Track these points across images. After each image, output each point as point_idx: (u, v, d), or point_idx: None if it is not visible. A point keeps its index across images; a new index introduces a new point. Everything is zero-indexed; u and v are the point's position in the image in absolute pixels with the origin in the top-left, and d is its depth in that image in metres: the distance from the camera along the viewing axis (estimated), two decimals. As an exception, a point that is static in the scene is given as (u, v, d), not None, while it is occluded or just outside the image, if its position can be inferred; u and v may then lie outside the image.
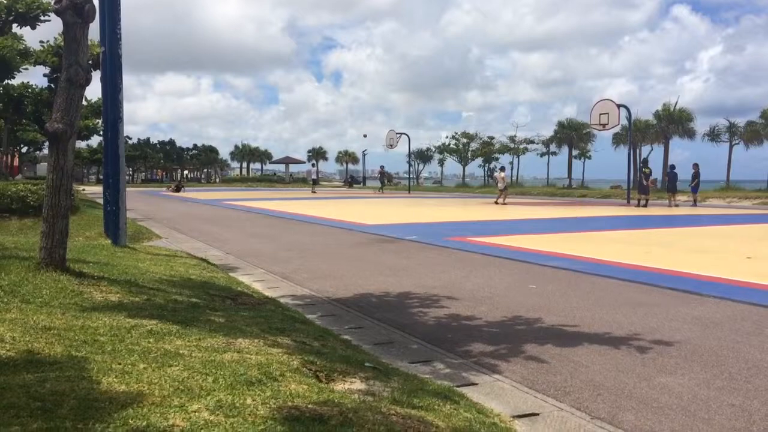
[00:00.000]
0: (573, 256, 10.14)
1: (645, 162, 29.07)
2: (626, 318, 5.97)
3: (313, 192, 43.86)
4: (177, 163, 76.19)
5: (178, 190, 45.04)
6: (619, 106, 30.65)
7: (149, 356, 3.39)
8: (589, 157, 55.50)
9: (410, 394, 3.42)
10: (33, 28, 17.03)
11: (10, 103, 22.39)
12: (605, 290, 7.39)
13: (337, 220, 18.26)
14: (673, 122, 46.25)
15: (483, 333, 5.45)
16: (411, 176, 60.80)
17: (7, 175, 27.24)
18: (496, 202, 28.60)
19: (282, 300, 6.61)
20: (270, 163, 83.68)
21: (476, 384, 4.08)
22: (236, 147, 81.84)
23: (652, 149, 48.03)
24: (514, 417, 3.54)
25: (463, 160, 62.87)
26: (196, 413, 2.63)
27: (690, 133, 46.82)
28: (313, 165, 63.76)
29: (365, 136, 47.39)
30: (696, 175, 28.10)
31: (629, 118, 32.10)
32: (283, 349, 3.96)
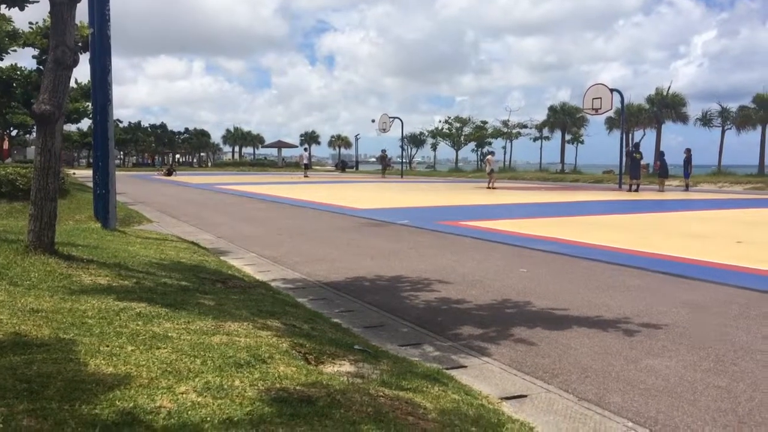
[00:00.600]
0: (564, 240, 10.17)
1: (636, 146, 29.12)
2: (615, 301, 6.01)
3: (306, 176, 43.76)
4: (168, 147, 75.80)
5: (169, 174, 44.87)
6: (612, 90, 30.64)
7: (137, 339, 3.38)
8: (582, 142, 55.69)
9: (399, 377, 3.43)
10: (21, 9, 16.75)
11: (-1, 86, 22.12)
12: (595, 274, 7.42)
13: (329, 204, 18.24)
14: (666, 107, 46.33)
15: (473, 316, 5.47)
16: (404, 161, 60.73)
17: (-3, 158, 27.00)
18: (488, 187, 28.61)
19: (273, 283, 6.61)
20: (262, 147, 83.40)
21: (465, 366, 4.10)
22: (228, 131, 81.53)
23: (644, 134, 48.15)
24: (502, 399, 3.56)
25: (456, 145, 62.90)
26: (184, 395, 2.63)
27: (683, 118, 46.97)
28: (305, 149, 63.52)
29: (373, 120, 46.55)
30: (688, 161, 28.17)
31: (622, 103, 32.11)
32: (273, 332, 3.96)
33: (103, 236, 8.46)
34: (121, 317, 3.83)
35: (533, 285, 6.76)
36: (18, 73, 22.51)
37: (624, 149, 31.60)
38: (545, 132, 56.45)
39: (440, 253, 9.04)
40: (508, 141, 57.51)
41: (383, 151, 51.62)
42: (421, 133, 67.96)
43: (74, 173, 31.45)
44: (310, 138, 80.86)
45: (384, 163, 49.60)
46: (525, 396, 3.63)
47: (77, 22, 7.17)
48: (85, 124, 40.34)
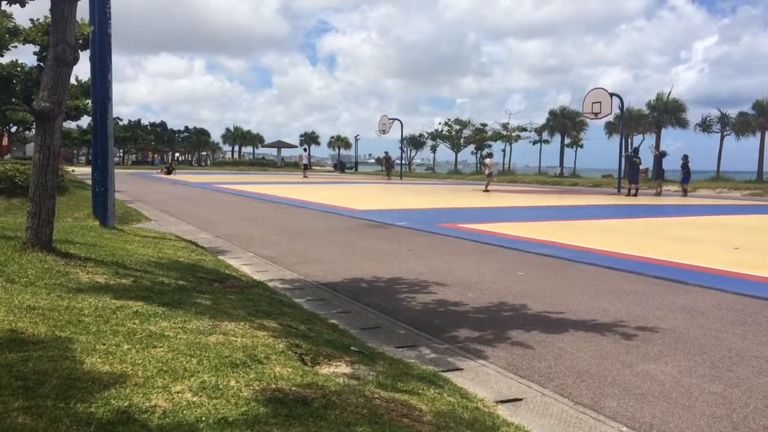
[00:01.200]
0: (561, 244, 10.18)
1: (636, 151, 29.14)
2: (612, 306, 6.01)
3: (305, 176, 43.75)
4: (168, 146, 75.77)
5: (169, 172, 44.84)
6: (611, 95, 30.65)
7: (134, 337, 3.39)
8: (581, 146, 55.74)
9: (395, 379, 3.44)
10: (22, 5, 16.76)
11: (-1, 82, 22.10)
12: (592, 278, 7.43)
13: (328, 204, 18.24)
14: (666, 112, 46.37)
15: (470, 319, 5.48)
16: (403, 162, 60.72)
17: (-4, 154, 26.97)
18: (485, 190, 28.49)
19: (270, 284, 6.61)
20: (262, 146, 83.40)
21: (461, 369, 4.10)
22: (228, 130, 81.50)
23: (644, 138, 48.21)
24: (497, 402, 3.56)
25: (456, 147, 62.93)
26: (179, 394, 2.63)
27: (682, 123, 47.00)
28: (305, 149, 63.53)
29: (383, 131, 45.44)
30: (684, 167, 28.20)
31: (622, 108, 32.14)
32: (270, 333, 3.96)
33: (101, 234, 8.46)
34: (117, 316, 3.83)
35: (530, 288, 6.76)
36: (18, 69, 22.48)
37: (623, 154, 31.64)
38: (545, 135, 56.53)
39: (438, 255, 9.04)
40: (507, 144, 57.54)
41: (386, 153, 51.54)
42: (421, 135, 68.01)
43: (73, 170, 31.43)
44: (309, 138, 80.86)
45: (388, 165, 49.47)
46: (520, 399, 3.64)
47: (78, 19, 7.18)
48: (85, 121, 40.29)
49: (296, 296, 6.08)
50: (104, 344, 3.20)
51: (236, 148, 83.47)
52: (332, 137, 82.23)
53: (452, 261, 8.49)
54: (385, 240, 10.65)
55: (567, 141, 55.00)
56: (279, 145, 79.11)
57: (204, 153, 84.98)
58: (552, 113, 55.45)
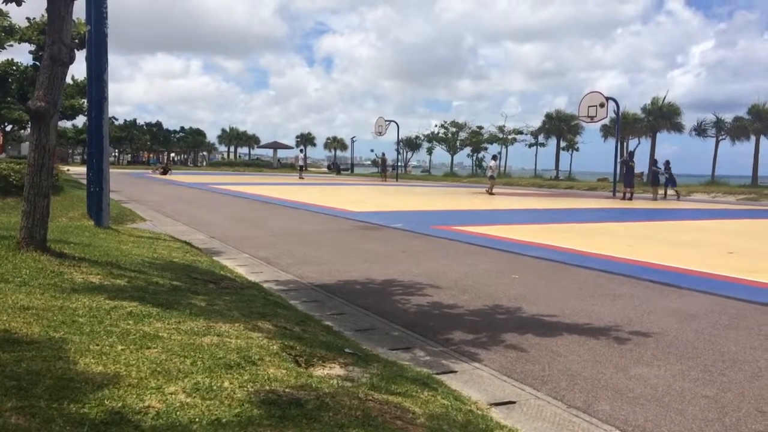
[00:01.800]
0: (556, 247, 10.20)
1: (631, 155, 29.19)
2: (606, 309, 6.03)
3: (301, 178, 43.73)
4: (164, 146, 75.58)
5: (164, 172, 44.73)
6: (607, 98, 30.75)
7: (128, 338, 3.38)
8: (577, 149, 55.83)
9: (389, 381, 3.44)
10: (18, 4, 16.71)
11: (-6, 81, 22.02)
12: (586, 281, 7.45)
13: (324, 206, 18.23)
14: (661, 116, 46.49)
15: (464, 321, 5.48)
16: (399, 164, 60.73)
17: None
18: (487, 192, 28.30)
19: (265, 285, 6.61)
20: (258, 147, 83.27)
21: (455, 372, 4.11)
22: (224, 130, 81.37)
23: (639, 142, 48.32)
24: (491, 405, 3.57)
25: (452, 149, 62.96)
26: (173, 395, 2.63)
27: (677, 128, 47.12)
28: (301, 150, 63.47)
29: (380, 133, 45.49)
30: (667, 171, 28.26)
31: (617, 112, 32.23)
32: (264, 334, 3.96)
33: (96, 234, 8.44)
34: (111, 316, 3.83)
35: (525, 291, 6.77)
36: (14, 68, 22.42)
37: (619, 158, 31.71)
38: (541, 138, 56.59)
39: (433, 257, 9.05)
40: (503, 147, 57.60)
41: (383, 154, 51.49)
42: (417, 137, 68.04)
43: (69, 170, 31.34)
44: (305, 139, 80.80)
45: (384, 167, 49.49)
46: (514, 402, 3.64)
47: (74, 18, 7.16)
48: (81, 120, 40.19)
49: (291, 297, 6.08)
50: (98, 345, 3.19)
51: (232, 148, 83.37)
52: (328, 138, 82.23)
53: (447, 263, 8.50)
54: (380, 242, 10.66)
55: (563, 144, 55.11)
56: (275, 146, 79.00)
57: (204, 154, 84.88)
58: (548, 116, 55.56)
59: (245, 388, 2.83)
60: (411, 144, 68.75)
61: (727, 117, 45.80)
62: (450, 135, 62.70)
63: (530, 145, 57.17)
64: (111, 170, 10.55)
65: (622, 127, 38.24)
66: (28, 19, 13.18)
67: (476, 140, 59.82)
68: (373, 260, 8.66)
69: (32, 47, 19.93)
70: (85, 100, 15.54)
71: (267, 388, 2.88)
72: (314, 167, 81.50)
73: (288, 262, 8.24)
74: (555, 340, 4.94)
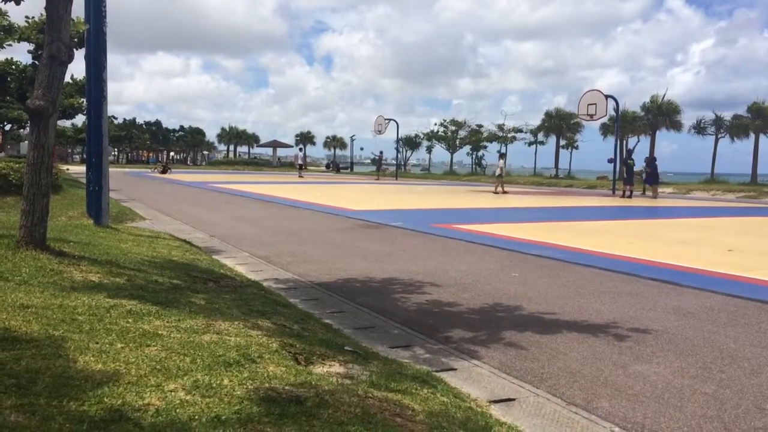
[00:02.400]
0: (556, 245, 10.20)
1: (630, 153, 29.13)
2: (605, 307, 6.03)
3: (300, 176, 43.73)
4: (163, 145, 75.57)
5: (164, 171, 44.72)
6: (606, 96, 30.75)
7: (127, 336, 3.38)
8: (577, 147, 55.77)
9: (388, 378, 3.44)
10: (17, 3, 16.70)
11: (-6, 80, 21.99)
12: (586, 279, 7.45)
13: (323, 205, 18.23)
14: (660, 114, 46.48)
15: (464, 319, 5.49)
16: (399, 163, 60.70)
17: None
18: (495, 191, 27.94)
19: (265, 283, 6.61)
20: (257, 146, 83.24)
21: (455, 369, 4.11)
22: (223, 129, 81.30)
23: (638, 140, 48.32)
24: (490, 402, 3.58)
25: (451, 148, 62.92)
26: (173, 393, 2.63)
27: (676, 126, 47.11)
28: (300, 149, 63.46)
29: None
30: (647, 167, 28.09)
31: (617, 110, 32.23)
32: (263, 332, 3.96)
33: (96, 233, 8.44)
34: (111, 314, 3.83)
35: (524, 289, 6.78)
36: (13, 67, 22.40)
37: (618, 157, 31.67)
38: (540, 137, 56.54)
39: (433, 255, 9.06)
40: (503, 145, 57.55)
41: (380, 152, 51.51)
42: (417, 136, 67.96)
43: (68, 169, 31.34)
44: (305, 138, 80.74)
45: (379, 164, 49.50)
46: (513, 399, 3.65)
47: (73, 17, 7.16)
48: (80, 119, 40.20)
49: (290, 296, 6.09)
50: (97, 343, 3.19)
51: (232, 147, 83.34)
52: (328, 137, 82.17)
53: (447, 261, 8.51)
54: (380, 240, 10.66)
55: (562, 142, 55.08)
56: (275, 144, 78.96)
57: (206, 153, 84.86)
58: (547, 114, 55.52)
59: (245, 386, 2.83)
60: (410, 143, 68.66)
61: (727, 115, 45.80)
62: (449, 133, 62.66)
63: (530, 144, 57.12)
64: (110, 169, 10.55)
65: (621, 125, 38.25)
66: (26, 18, 13.18)
67: (476, 139, 59.77)
68: (372, 259, 8.66)
69: (31, 46, 19.93)
70: (85, 99, 15.54)
71: (266, 385, 2.88)
72: (314, 166, 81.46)
73: (288, 261, 8.24)
74: (555, 338, 4.94)
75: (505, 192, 27.55)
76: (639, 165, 29.57)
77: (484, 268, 8.04)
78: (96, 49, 9.51)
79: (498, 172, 28.81)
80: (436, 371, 3.97)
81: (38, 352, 2.92)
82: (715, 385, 3.97)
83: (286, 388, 2.89)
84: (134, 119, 73.05)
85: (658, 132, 47.03)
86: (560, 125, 54.02)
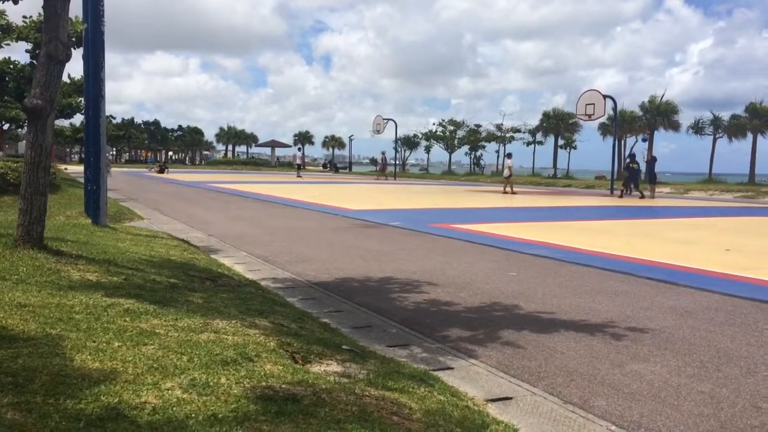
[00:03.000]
0: (554, 245, 10.21)
1: (633, 156, 28.77)
2: (603, 306, 6.04)
3: (299, 176, 43.71)
4: (161, 144, 75.55)
5: (161, 171, 44.69)
6: (605, 96, 30.78)
7: (124, 335, 3.39)
8: (575, 147, 55.83)
9: (385, 377, 3.44)
10: (15, 2, 16.68)
11: (-8, 79, 21.97)
12: (584, 278, 7.46)
13: (321, 204, 18.23)
14: (658, 114, 46.56)
15: (461, 318, 5.49)
16: (397, 163, 60.69)
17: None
18: (505, 192, 27.59)
19: (263, 283, 6.61)
20: (256, 146, 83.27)
21: (452, 368, 4.12)
22: (222, 129, 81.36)
23: (636, 141, 48.37)
24: (487, 400, 3.58)
25: (450, 148, 62.95)
26: (169, 391, 2.64)
27: (675, 126, 47.20)
28: (299, 149, 63.41)
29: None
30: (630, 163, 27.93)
31: (615, 110, 32.26)
32: (261, 331, 3.96)
33: (93, 232, 8.44)
34: (108, 313, 3.83)
35: (522, 288, 6.79)
36: (11, 67, 22.36)
37: (616, 156, 31.61)
38: (539, 137, 56.61)
39: (430, 255, 9.06)
40: (501, 145, 57.60)
41: (383, 153, 51.09)
42: (415, 136, 67.98)
43: (66, 169, 31.30)
44: (303, 138, 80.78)
45: (383, 165, 49.12)
46: (510, 398, 3.65)
47: (71, 17, 7.16)
48: (78, 119, 40.14)
49: (288, 295, 6.09)
50: (95, 341, 3.19)
51: (230, 147, 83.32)
52: (326, 137, 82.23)
53: (445, 261, 8.51)
54: (378, 240, 10.66)
55: (561, 142, 55.13)
56: (273, 144, 78.95)
57: (207, 153, 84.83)
58: (546, 114, 55.58)
59: (242, 384, 2.83)
60: (409, 142, 68.68)
61: (725, 115, 45.91)
62: (448, 133, 62.69)
63: (528, 144, 57.20)
64: (108, 168, 10.54)
65: (620, 125, 38.29)
66: (24, 17, 13.17)
67: (474, 138, 59.81)
68: (370, 258, 8.66)
69: (29, 46, 19.89)
70: (83, 99, 15.53)
71: (264, 384, 2.88)
72: (312, 166, 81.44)
73: (286, 260, 8.24)
74: (552, 337, 4.95)
75: (514, 192, 27.32)
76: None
77: (482, 268, 8.05)
78: (94, 49, 9.50)
79: (507, 172, 28.52)
80: (434, 370, 3.97)
81: (35, 351, 2.92)
82: (712, 384, 3.98)
83: (283, 386, 2.89)
84: (132, 119, 73.14)
85: (656, 132, 47.10)
86: (558, 125, 54.08)
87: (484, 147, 60.03)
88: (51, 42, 5.63)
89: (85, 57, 9.67)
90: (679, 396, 3.76)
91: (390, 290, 6.61)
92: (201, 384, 2.76)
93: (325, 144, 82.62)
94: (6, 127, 43.03)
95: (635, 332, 5.12)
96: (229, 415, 2.46)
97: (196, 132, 79.05)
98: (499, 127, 57.59)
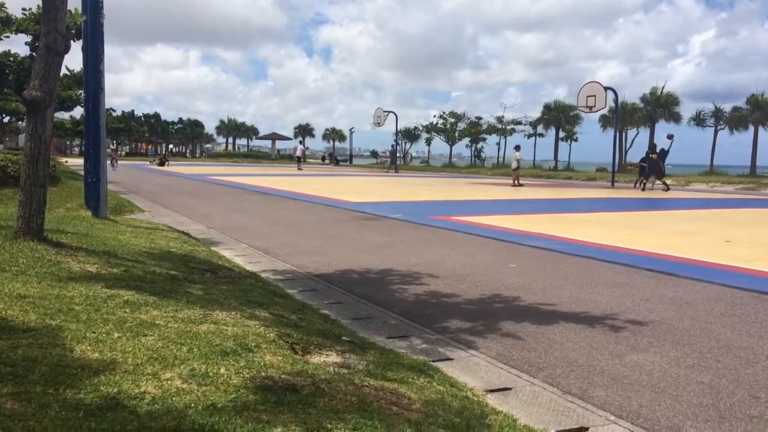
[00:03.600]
0: (554, 237, 10.21)
1: (654, 148, 28.24)
2: (603, 297, 6.05)
3: (299, 169, 43.67)
4: (162, 137, 75.46)
5: (162, 164, 44.65)
6: (606, 88, 30.71)
7: (124, 326, 3.39)
8: (576, 140, 55.68)
9: (385, 368, 3.45)
10: (14, -6, 16.65)
11: (-8, 72, 21.93)
12: (584, 270, 7.46)
13: (322, 197, 18.23)
14: (659, 106, 46.44)
15: (461, 310, 5.50)
16: (398, 155, 60.60)
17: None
18: (513, 185, 27.49)
19: (263, 274, 6.62)
20: (256, 138, 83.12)
21: (452, 359, 4.12)
22: (222, 122, 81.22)
23: (638, 132, 48.32)
24: (487, 391, 3.59)
25: (451, 140, 62.84)
26: (169, 381, 2.64)
27: (675, 118, 47.07)
28: (300, 142, 63.31)
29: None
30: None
31: (616, 101, 32.18)
32: (261, 322, 3.97)
33: (94, 224, 8.44)
34: (108, 304, 3.83)
35: (522, 280, 6.79)
36: (11, 59, 22.29)
37: (617, 148, 31.45)
38: (540, 129, 56.48)
39: (431, 247, 9.06)
40: (502, 137, 57.51)
41: (392, 145, 50.68)
42: (416, 128, 67.84)
43: (67, 161, 31.29)
44: (304, 131, 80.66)
45: (393, 158, 48.75)
46: (510, 389, 3.66)
47: (71, 8, 7.13)
48: (78, 112, 40.07)
49: (288, 287, 6.09)
50: (94, 332, 3.20)
51: (230, 140, 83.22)
52: (327, 129, 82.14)
53: (445, 253, 8.51)
54: (379, 232, 10.66)
55: (561, 134, 55.02)
56: (274, 137, 78.81)
57: (208, 146, 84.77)
58: (547, 107, 55.44)
59: (241, 375, 2.84)
60: (410, 135, 68.55)
61: (727, 107, 45.77)
62: (449, 126, 62.56)
63: (529, 136, 57.03)
64: (108, 161, 10.53)
65: (621, 117, 38.20)
66: (24, 9, 13.13)
67: (475, 131, 59.68)
68: (371, 250, 8.66)
69: (29, 38, 19.81)
70: (82, 91, 15.51)
71: (263, 374, 2.89)
72: (313, 158, 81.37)
73: (286, 252, 8.24)
74: (552, 328, 4.95)
75: (520, 185, 27.24)
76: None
77: (482, 260, 8.05)
78: (93, 41, 9.48)
79: (515, 165, 28.48)
80: (433, 361, 3.98)
81: (35, 341, 2.92)
82: (711, 375, 3.98)
83: (283, 376, 2.89)
84: (133, 111, 72.98)
85: (656, 124, 46.99)
86: (559, 117, 53.95)
87: (485, 139, 59.92)
88: (49, 33, 5.62)
89: (84, 49, 9.64)
90: (678, 386, 3.77)
91: (390, 282, 6.61)
92: (200, 374, 2.77)
93: (325, 137, 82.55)
94: (6, 119, 43.01)
95: (635, 323, 5.13)
96: (229, 405, 2.46)
97: (197, 125, 78.94)
98: (500, 119, 57.47)
